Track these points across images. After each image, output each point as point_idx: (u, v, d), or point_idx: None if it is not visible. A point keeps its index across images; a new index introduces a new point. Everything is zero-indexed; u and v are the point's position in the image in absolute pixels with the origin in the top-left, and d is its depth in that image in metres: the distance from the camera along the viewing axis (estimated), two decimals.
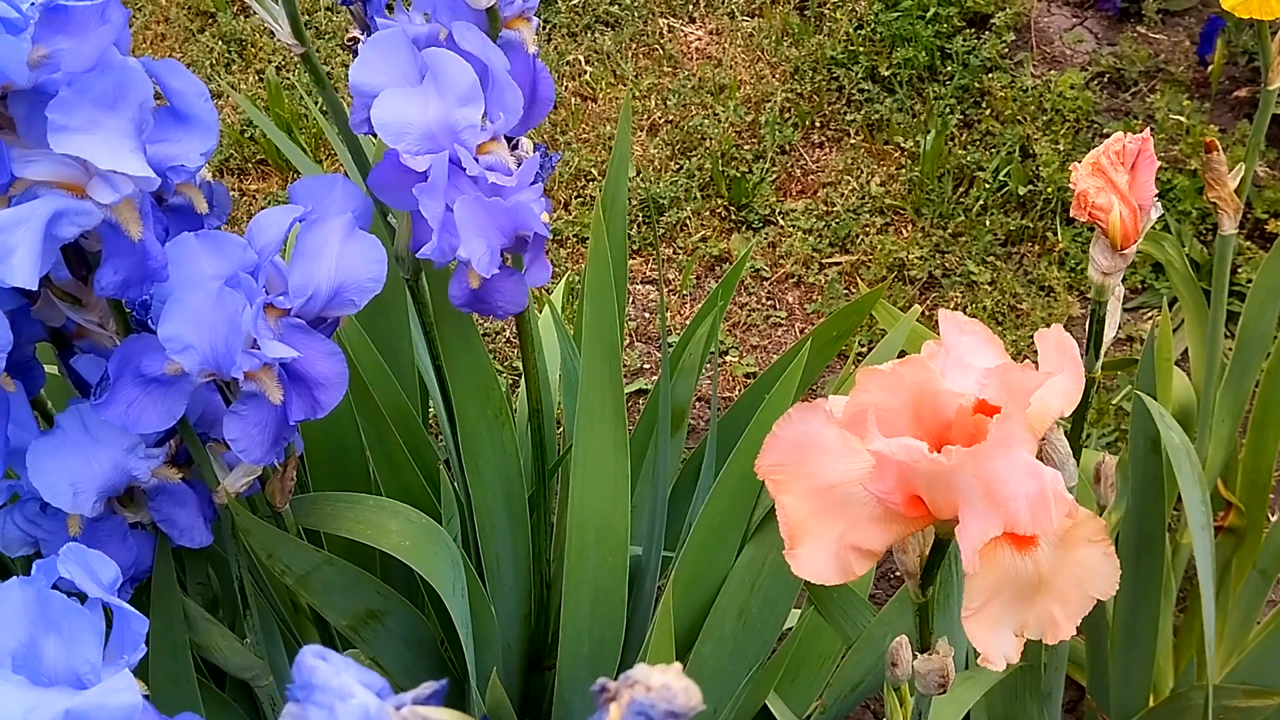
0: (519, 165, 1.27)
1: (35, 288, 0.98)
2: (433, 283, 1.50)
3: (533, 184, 1.26)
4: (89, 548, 1.25)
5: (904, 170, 3.34)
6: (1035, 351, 0.92)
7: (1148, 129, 1.16)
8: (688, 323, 3.04)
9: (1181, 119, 3.30)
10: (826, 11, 3.74)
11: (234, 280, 1.14)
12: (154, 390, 1.15)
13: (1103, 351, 1.23)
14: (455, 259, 1.25)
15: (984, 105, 3.45)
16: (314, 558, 1.44)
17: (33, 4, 0.95)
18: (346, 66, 3.60)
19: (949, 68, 3.53)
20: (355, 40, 1.47)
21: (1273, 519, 2.32)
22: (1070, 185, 1.14)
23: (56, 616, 0.82)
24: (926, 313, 2.94)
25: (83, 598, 0.88)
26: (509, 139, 1.31)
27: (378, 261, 1.23)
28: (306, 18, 3.79)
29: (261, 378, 1.16)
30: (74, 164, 1.02)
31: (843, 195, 3.31)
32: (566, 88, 3.62)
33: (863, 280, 3.10)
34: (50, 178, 1.01)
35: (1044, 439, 1.09)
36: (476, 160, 1.23)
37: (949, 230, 3.20)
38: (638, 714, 0.57)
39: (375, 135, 1.41)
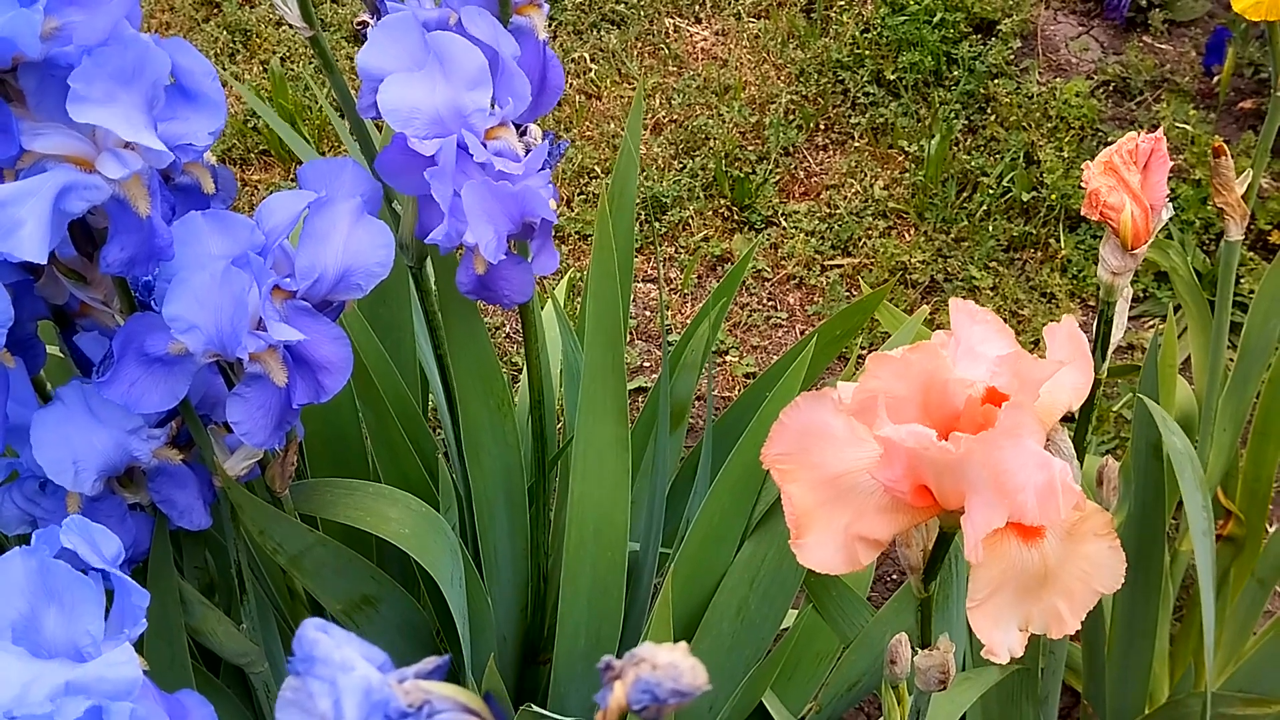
0: (527, 151, 1.26)
1: (44, 261, 0.98)
2: (440, 272, 1.49)
3: (541, 170, 1.26)
4: None
5: (908, 174, 3.34)
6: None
7: (1160, 130, 1.16)
8: (688, 322, 3.04)
9: (1187, 128, 3.30)
10: (833, 14, 3.74)
11: (241, 260, 1.13)
12: (157, 370, 1.15)
13: (1110, 352, 1.23)
14: (461, 245, 1.24)
15: (989, 111, 3.44)
16: (307, 538, 1.43)
17: None
18: (351, 59, 3.61)
19: (955, 73, 3.53)
20: (364, 25, 1.46)
21: (1272, 529, 2.32)
22: (1082, 184, 1.14)
23: (58, 588, 0.81)
24: (928, 316, 2.93)
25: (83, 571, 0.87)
26: (517, 126, 1.30)
27: (385, 246, 1.23)
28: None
29: (266, 360, 1.15)
30: (83, 138, 1.01)
31: (846, 198, 3.31)
32: (571, 85, 3.62)
33: (864, 283, 3.10)
34: (59, 151, 1.01)
35: (1048, 440, 1.09)
36: (484, 145, 1.22)
37: (952, 235, 3.20)
38: (643, 692, 0.57)
39: (382, 120, 1.40)
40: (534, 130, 1.36)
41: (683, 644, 0.59)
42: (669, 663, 0.58)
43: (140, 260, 1.07)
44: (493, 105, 1.25)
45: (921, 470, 0.82)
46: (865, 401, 0.81)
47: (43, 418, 1.17)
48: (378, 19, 1.46)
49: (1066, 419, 0.96)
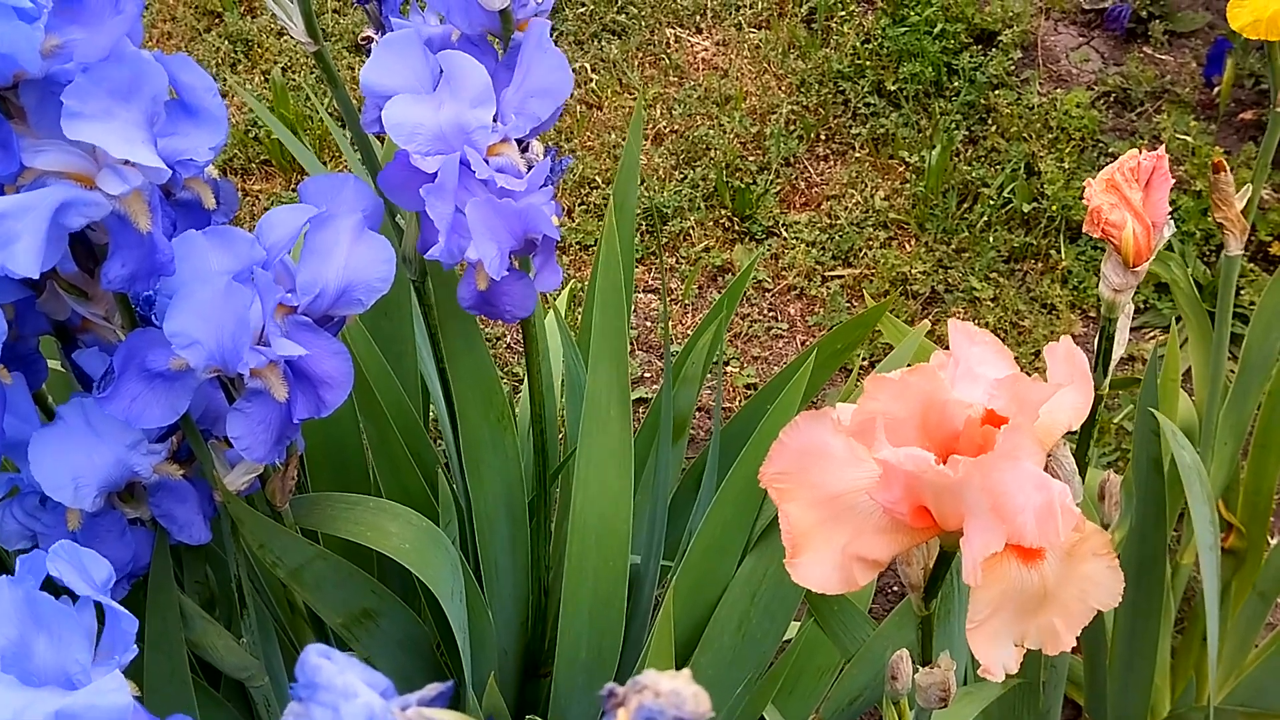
0: (529, 168, 1.27)
1: (37, 276, 0.98)
2: (439, 285, 1.49)
3: (543, 187, 1.26)
4: (87, 543, 1.24)
5: (908, 185, 3.34)
6: (1038, 369, 0.91)
7: (1161, 147, 1.16)
8: (689, 332, 3.05)
9: (1187, 139, 3.30)
10: (834, 25, 3.75)
11: (243, 276, 1.13)
12: (158, 385, 1.15)
13: (1111, 369, 1.23)
14: (464, 261, 1.25)
15: (989, 122, 3.45)
16: (307, 551, 1.43)
17: None
18: (353, 69, 3.62)
19: (955, 83, 3.54)
20: (369, 40, 1.47)
21: (1273, 541, 2.31)
22: (1084, 201, 1.14)
23: (46, 616, 0.81)
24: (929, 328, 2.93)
25: (74, 596, 0.87)
26: (520, 141, 1.31)
27: (387, 262, 1.23)
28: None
29: (267, 375, 1.15)
30: (84, 155, 1.01)
31: (846, 208, 3.31)
32: (572, 95, 3.62)
33: (865, 294, 3.10)
34: (59, 168, 1.01)
35: (1050, 455, 1.09)
36: (486, 162, 1.23)
37: (952, 246, 3.20)
38: (646, 719, 0.57)
39: (385, 135, 1.41)
40: (536, 146, 1.36)
41: (685, 671, 0.58)
42: (672, 690, 0.57)
43: (141, 276, 1.07)
44: (496, 121, 1.25)
45: (920, 492, 0.82)
46: (864, 423, 0.81)
47: (41, 437, 1.17)
48: (382, 34, 1.46)
49: (1068, 434, 0.96)
